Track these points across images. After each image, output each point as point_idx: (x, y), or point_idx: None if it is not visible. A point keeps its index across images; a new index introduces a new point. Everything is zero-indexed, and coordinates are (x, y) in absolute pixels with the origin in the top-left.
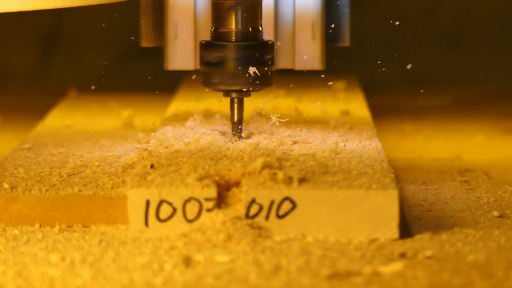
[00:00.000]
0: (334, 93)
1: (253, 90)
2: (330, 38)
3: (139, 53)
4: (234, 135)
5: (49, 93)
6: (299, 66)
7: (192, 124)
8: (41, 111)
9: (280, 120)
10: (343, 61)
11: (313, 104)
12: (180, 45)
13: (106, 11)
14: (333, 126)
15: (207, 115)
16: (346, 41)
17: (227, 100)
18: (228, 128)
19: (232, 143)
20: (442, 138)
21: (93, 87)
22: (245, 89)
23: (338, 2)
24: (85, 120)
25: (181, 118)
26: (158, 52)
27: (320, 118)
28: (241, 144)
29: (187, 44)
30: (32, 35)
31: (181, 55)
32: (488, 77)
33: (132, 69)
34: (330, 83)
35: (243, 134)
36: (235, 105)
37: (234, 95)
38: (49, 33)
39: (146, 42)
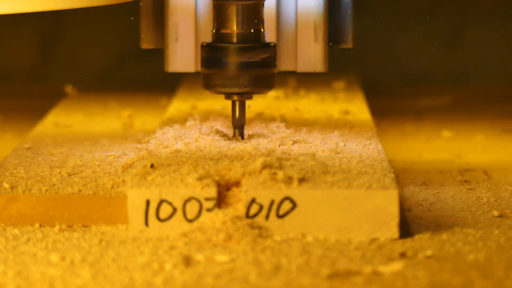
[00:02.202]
0: (334, 93)
1: (255, 93)
2: (332, 39)
3: (139, 53)
4: (236, 138)
5: (49, 93)
6: (302, 68)
7: (191, 124)
8: (41, 111)
9: (280, 124)
10: (343, 61)
11: (313, 105)
12: (181, 46)
13: (106, 12)
14: (333, 126)
15: (207, 116)
16: (349, 43)
17: (227, 103)
18: (229, 130)
19: (232, 144)
20: (442, 138)
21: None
22: (246, 92)
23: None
24: (85, 120)
25: (181, 119)
26: (158, 52)
27: (320, 119)
28: (241, 146)
29: (188, 46)
30: (32, 35)
31: (182, 57)
32: (488, 77)
33: (132, 69)
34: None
35: (245, 137)
36: (237, 108)
37: (235, 97)
38: (49, 33)
39: (146, 43)
